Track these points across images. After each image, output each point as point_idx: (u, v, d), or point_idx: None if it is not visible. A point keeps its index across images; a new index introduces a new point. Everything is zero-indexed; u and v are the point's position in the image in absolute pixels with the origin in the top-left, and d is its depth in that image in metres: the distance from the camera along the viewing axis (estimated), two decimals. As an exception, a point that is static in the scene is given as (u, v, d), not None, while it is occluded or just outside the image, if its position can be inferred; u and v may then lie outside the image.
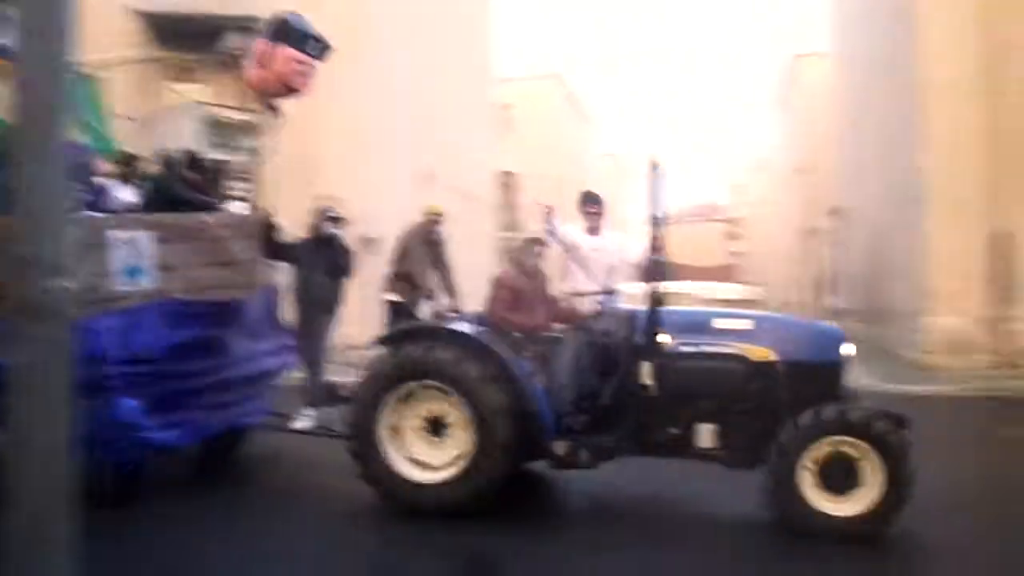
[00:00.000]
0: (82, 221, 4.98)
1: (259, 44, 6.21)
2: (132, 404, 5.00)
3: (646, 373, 5.18)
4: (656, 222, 5.32)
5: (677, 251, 6.89)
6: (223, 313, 5.88)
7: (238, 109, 7.29)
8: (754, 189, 54.63)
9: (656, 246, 5.39)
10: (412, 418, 5.35)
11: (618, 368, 5.38)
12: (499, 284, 5.88)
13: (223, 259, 5.82)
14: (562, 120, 37.45)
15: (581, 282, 6.68)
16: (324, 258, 7.36)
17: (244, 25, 10.05)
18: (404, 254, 7.90)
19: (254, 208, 6.68)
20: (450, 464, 5.20)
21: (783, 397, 5.08)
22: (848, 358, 5.34)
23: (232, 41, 9.46)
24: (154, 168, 6.92)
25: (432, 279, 7.96)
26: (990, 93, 14.37)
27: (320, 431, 6.81)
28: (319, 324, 7.44)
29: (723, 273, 79.48)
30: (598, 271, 6.76)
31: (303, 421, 6.97)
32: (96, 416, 4.32)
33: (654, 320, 5.21)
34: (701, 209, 60.90)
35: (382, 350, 5.57)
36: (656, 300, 5.22)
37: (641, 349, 5.24)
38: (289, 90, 6.31)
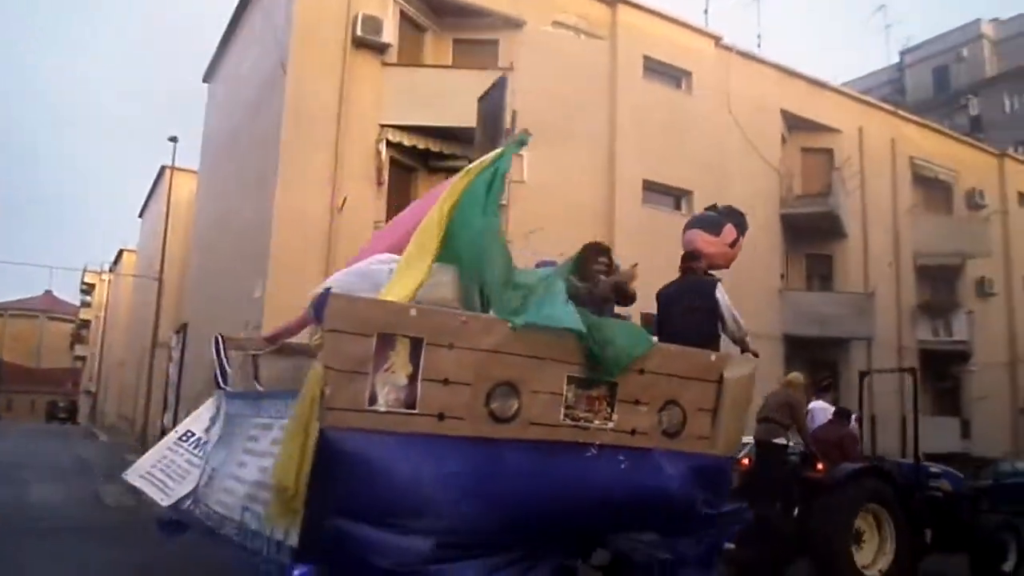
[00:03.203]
0: None
1: (732, 229, 6.79)
2: None
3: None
4: None
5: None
6: None
7: None
8: (108, 292, 51.19)
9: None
10: None
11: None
12: (854, 438, 9.03)
13: None
14: None
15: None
16: None
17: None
18: (797, 411, 8.77)
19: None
20: (871, 564, 7.61)
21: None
22: None
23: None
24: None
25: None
26: (331, 235, 15.84)
27: None
28: None
29: (63, 377, 71.73)
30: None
31: None
32: None
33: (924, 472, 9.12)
34: (39, 302, 54.27)
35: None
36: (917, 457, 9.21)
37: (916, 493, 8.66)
38: (726, 267, 6.92)
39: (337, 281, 5.18)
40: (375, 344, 4.09)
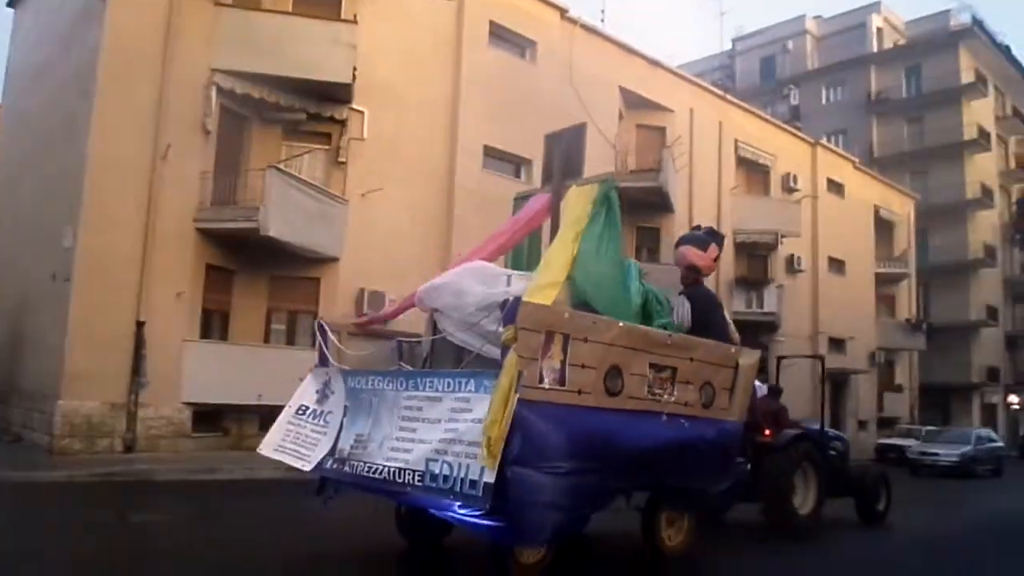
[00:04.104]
0: None
1: (715, 247, 8.23)
2: None
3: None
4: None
5: None
6: None
7: None
8: None
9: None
10: None
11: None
12: (785, 410, 11.28)
13: None
14: None
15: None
16: None
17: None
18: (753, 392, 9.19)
19: None
20: (800, 507, 9.92)
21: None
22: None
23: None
24: None
25: None
26: (152, 183, 14.83)
27: None
28: None
29: None
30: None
31: None
32: None
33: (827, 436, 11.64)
34: None
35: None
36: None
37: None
38: (707, 276, 8.56)
39: (427, 291, 6.93)
40: (543, 338, 5.54)
